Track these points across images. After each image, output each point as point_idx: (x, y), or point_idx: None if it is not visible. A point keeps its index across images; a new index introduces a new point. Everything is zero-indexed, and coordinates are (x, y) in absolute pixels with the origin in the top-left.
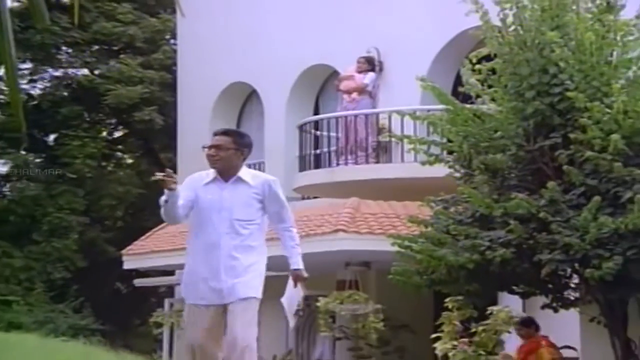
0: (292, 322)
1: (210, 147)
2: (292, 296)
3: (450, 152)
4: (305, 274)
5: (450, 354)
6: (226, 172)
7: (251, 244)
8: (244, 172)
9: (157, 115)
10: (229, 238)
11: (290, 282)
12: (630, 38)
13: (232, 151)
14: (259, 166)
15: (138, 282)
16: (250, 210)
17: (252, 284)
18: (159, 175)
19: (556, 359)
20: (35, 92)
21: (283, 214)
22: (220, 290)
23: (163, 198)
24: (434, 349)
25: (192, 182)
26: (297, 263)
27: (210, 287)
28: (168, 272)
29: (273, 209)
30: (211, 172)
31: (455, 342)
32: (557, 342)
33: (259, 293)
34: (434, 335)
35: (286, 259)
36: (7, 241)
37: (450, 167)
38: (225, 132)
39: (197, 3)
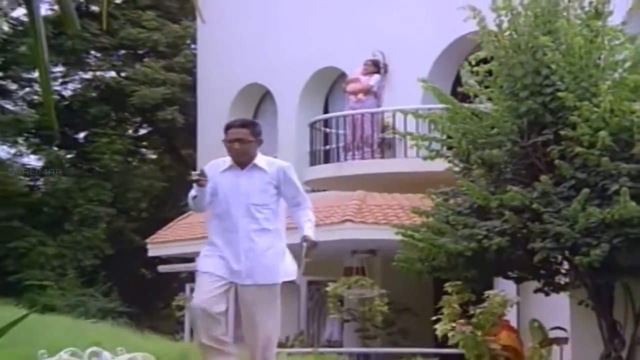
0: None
1: (233, 140)
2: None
3: (449, 148)
4: (315, 240)
5: (449, 335)
6: (244, 161)
7: (268, 227)
8: (259, 159)
9: (178, 114)
10: (246, 222)
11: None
12: (617, 42)
13: (252, 143)
14: None
15: (161, 268)
16: (266, 196)
17: (272, 269)
18: (194, 176)
19: (513, 343)
20: (67, 93)
21: (299, 198)
22: (239, 271)
23: (193, 193)
24: (435, 330)
25: (211, 170)
26: (307, 231)
27: (230, 268)
28: (188, 259)
29: (289, 193)
30: (227, 160)
31: (454, 324)
32: (548, 324)
33: (280, 278)
34: (434, 318)
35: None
36: (41, 231)
37: (449, 161)
38: (242, 124)
39: (215, 10)
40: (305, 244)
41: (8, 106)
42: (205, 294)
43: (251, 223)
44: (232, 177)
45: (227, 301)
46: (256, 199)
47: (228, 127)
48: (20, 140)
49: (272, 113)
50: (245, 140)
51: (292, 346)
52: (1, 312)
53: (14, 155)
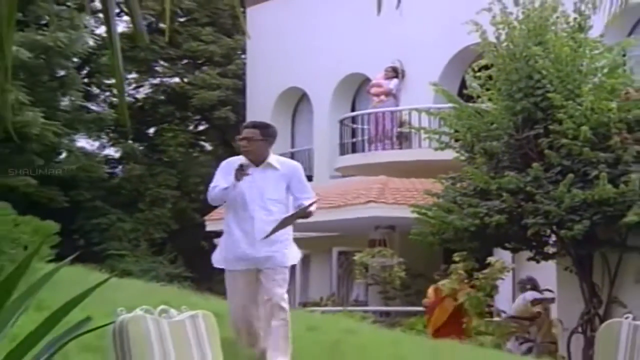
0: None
1: (241, 139)
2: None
3: (456, 140)
4: (311, 208)
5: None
6: (256, 159)
7: (280, 219)
8: (272, 159)
9: (230, 113)
10: (261, 214)
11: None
12: (596, 52)
13: (260, 142)
14: (309, 152)
15: (216, 241)
16: (278, 191)
17: (283, 255)
18: (241, 172)
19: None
20: (140, 96)
21: (305, 194)
22: (256, 258)
23: (227, 188)
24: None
25: (229, 167)
26: (305, 202)
27: (248, 256)
28: None
29: (297, 190)
30: (243, 158)
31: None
32: (539, 285)
33: (289, 262)
34: (442, 282)
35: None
36: (120, 209)
37: (457, 152)
38: (253, 125)
39: (261, 26)
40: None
41: (92, 107)
42: (239, 293)
43: (266, 215)
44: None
45: (257, 288)
46: (270, 194)
47: (243, 127)
48: (102, 135)
49: (308, 112)
50: (252, 139)
51: (325, 305)
52: (87, 276)
53: (98, 147)
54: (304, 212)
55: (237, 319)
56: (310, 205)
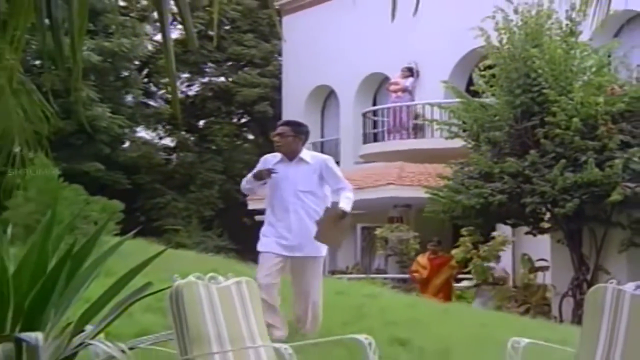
0: (337, 247)
1: (275, 135)
2: (330, 234)
3: (464, 131)
4: (347, 210)
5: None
6: (290, 154)
7: (315, 208)
8: (305, 154)
9: (269, 107)
10: (296, 205)
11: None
12: (585, 54)
13: (291, 138)
14: (336, 141)
15: (258, 217)
16: (311, 183)
17: (316, 244)
18: (264, 173)
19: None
20: (191, 93)
21: (340, 184)
22: (291, 246)
23: (259, 183)
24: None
25: (266, 163)
26: (342, 202)
27: (283, 243)
28: None
29: (331, 181)
30: (278, 155)
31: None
32: (534, 256)
33: (323, 252)
34: (453, 252)
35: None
36: (174, 191)
37: (464, 140)
38: (286, 123)
39: (294, 32)
40: (337, 217)
41: (151, 103)
42: (266, 270)
43: (299, 206)
44: (283, 168)
45: (283, 272)
46: (303, 186)
47: (277, 125)
48: (159, 127)
49: (335, 106)
50: (284, 135)
51: (350, 273)
52: (147, 247)
53: (155, 137)
54: (338, 214)
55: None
56: (344, 210)
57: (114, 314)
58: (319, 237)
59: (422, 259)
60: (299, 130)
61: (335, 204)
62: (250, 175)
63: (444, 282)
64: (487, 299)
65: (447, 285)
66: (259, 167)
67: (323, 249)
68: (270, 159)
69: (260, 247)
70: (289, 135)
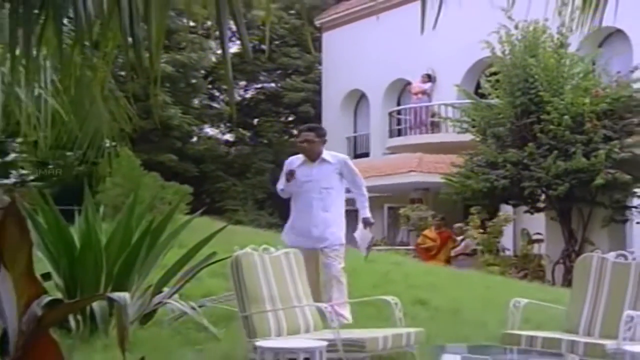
0: (364, 253)
1: (302, 141)
2: (364, 237)
3: (473, 126)
4: (372, 220)
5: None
6: (313, 156)
7: (335, 202)
8: (326, 154)
9: (311, 108)
10: (318, 201)
11: (361, 225)
12: (574, 62)
13: (316, 142)
14: (367, 136)
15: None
16: (332, 181)
17: (338, 235)
18: (290, 176)
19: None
20: (247, 96)
21: (357, 181)
22: (315, 238)
23: (284, 189)
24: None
25: (291, 165)
26: (366, 213)
27: (307, 236)
28: None
29: (349, 178)
30: (300, 156)
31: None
32: (532, 231)
33: (343, 240)
34: (464, 227)
35: (359, 211)
36: (234, 177)
37: (473, 135)
38: (309, 129)
39: (332, 45)
40: (366, 226)
41: (214, 105)
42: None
43: (322, 201)
44: (306, 169)
45: (314, 262)
46: (325, 184)
47: (300, 131)
48: (221, 125)
49: (366, 107)
50: (311, 141)
51: (379, 245)
52: (212, 224)
53: (218, 133)
54: (370, 223)
55: None
56: (370, 222)
57: (185, 278)
58: (367, 249)
59: (430, 232)
60: (321, 134)
61: (352, 200)
62: (283, 179)
63: (449, 253)
64: (462, 265)
65: (450, 256)
66: (286, 169)
67: (342, 238)
68: (294, 161)
69: (287, 240)
70: (315, 140)
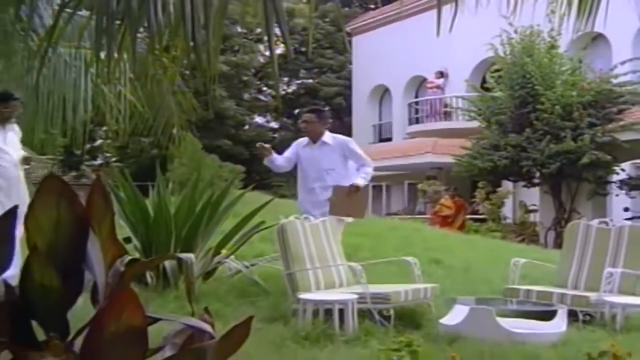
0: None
1: (302, 122)
2: (346, 207)
3: (479, 115)
4: (360, 184)
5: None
6: (314, 138)
7: (338, 184)
8: (327, 136)
9: (342, 101)
10: (318, 181)
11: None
12: (563, 61)
13: (315, 123)
14: (390, 124)
15: None
16: (332, 162)
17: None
18: (259, 149)
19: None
20: (289, 90)
21: (362, 161)
22: (317, 216)
23: (266, 163)
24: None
25: (296, 146)
26: (358, 181)
27: (310, 213)
28: None
29: (354, 159)
30: (306, 139)
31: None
32: (528, 202)
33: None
34: (472, 200)
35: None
36: None
37: (480, 122)
38: (310, 111)
39: (361, 48)
40: (353, 190)
41: (262, 98)
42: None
43: (323, 181)
44: (309, 150)
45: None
46: (325, 165)
47: (303, 113)
48: (268, 115)
49: (389, 99)
50: (309, 121)
51: (400, 214)
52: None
53: (266, 121)
54: (351, 189)
55: None
56: (356, 184)
57: (240, 242)
58: (331, 211)
59: (446, 201)
60: (322, 116)
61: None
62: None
63: (463, 219)
64: None
65: (464, 222)
66: (292, 148)
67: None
68: (301, 142)
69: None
70: (314, 121)
